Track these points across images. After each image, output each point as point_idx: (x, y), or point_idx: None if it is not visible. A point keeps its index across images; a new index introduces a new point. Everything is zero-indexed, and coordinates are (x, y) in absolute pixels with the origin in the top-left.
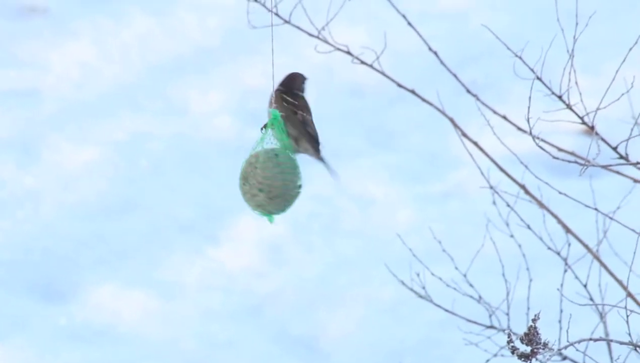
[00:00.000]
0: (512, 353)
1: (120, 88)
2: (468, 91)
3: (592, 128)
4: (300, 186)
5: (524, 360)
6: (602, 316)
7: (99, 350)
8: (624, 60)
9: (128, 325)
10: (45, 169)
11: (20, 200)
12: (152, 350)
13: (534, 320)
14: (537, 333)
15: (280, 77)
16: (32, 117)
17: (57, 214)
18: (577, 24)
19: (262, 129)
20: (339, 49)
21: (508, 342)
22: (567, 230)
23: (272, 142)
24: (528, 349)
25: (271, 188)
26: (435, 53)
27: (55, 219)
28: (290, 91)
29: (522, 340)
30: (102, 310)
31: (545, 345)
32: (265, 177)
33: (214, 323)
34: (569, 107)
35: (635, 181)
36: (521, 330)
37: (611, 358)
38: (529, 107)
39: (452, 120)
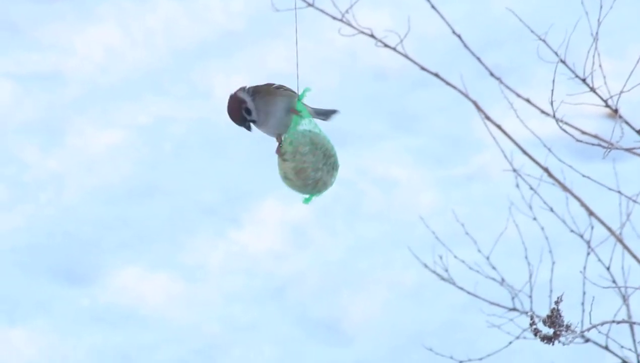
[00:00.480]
0: (535, 335)
1: (144, 72)
2: (491, 74)
3: (615, 111)
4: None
5: (546, 342)
6: (625, 298)
7: (121, 332)
8: None
9: (151, 308)
10: (69, 152)
11: (43, 184)
12: (175, 332)
13: (556, 303)
14: (560, 316)
15: (304, 61)
16: (56, 101)
17: (81, 197)
18: (601, 6)
19: (297, 115)
20: (362, 32)
21: (531, 324)
22: (590, 213)
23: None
24: (551, 331)
25: (336, 155)
26: (459, 36)
27: (79, 202)
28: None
29: (544, 323)
30: (125, 293)
31: (567, 327)
32: (331, 147)
33: (237, 306)
34: (592, 90)
35: None
36: (544, 312)
37: (634, 340)
38: (552, 90)
39: (475, 104)
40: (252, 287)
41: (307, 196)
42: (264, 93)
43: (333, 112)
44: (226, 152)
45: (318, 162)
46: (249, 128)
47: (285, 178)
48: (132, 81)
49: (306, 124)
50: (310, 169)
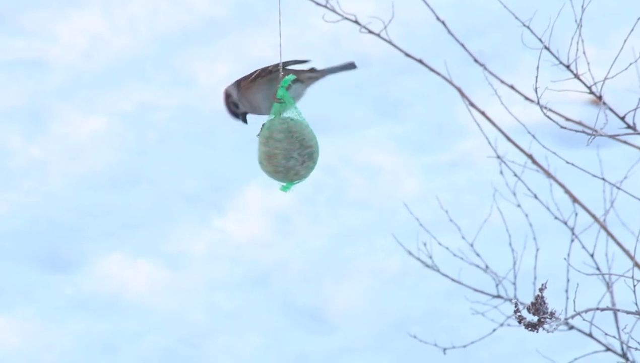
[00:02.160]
0: (519, 322)
1: (127, 59)
2: (476, 61)
3: (599, 98)
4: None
5: (530, 330)
6: (608, 286)
7: (105, 320)
8: (632, 30)
9: (135, 296)
10: (52, 139)
11: (27, 171)
12: (158, 320)
13: (540, 290)
14: (544, 303)
15: (287, 47)
16: (39, 88)
17: (64, 185)
18: None
19: (278, 103)
20: (346, 18)
21: (515, 312)
22: (574, 199)
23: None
24: (535, 319)
25: (315, 147)
26: (443, 23)
27: (62, 190)
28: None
29: (528, 310)
30: (109, 281)
31: (552, 314)
32: (311, 138)
33: (220, 293)
34: (576, 76)
35: None
36: (528, 299)
37: (617, 327)
38: (536, 77)
39: (459, 90)
40: (236, 274)
41: (283, 184)
42: (244, 84)
43: (348, 66)
44: (210, 140)
45: (292, 151)
46: (244, 120)
47: (260, 162)
48: (116, 68)
49: (291, 112)
50: (281, 155)
